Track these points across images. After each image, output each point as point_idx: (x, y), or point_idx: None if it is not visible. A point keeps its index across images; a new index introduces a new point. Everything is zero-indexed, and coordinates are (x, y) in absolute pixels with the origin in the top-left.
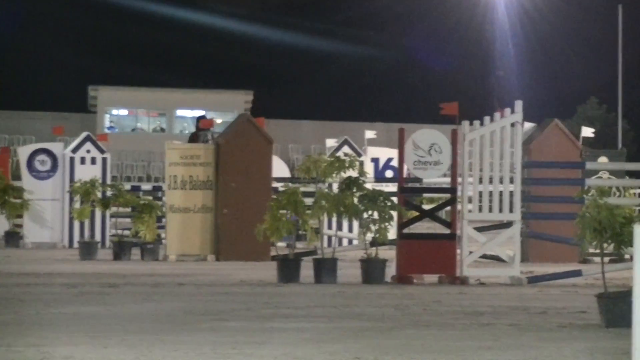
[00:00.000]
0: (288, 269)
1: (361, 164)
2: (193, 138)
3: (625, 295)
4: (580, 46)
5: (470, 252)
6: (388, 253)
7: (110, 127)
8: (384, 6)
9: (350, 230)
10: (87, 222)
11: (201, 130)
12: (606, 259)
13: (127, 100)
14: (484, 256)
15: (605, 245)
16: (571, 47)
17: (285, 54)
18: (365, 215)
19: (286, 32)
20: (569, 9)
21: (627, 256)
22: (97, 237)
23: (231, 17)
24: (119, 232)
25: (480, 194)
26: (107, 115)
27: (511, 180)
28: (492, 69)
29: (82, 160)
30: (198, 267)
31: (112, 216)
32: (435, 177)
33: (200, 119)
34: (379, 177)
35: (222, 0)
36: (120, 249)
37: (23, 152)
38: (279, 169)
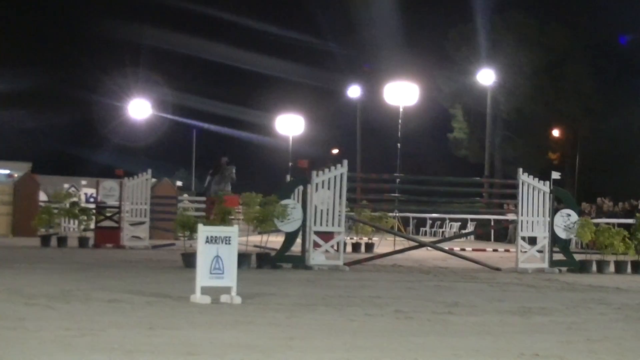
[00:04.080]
0: (46, 240)
1: (79, 195)
2: (216, 168)
3: (193, 253)
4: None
5: (127, 234)
6: (90, 234)
7: None
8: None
9: (74, 224)
10: None
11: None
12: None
13: None
14: (134, 236)
15: (186, 232)
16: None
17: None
18: (81, 217)
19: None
20: None
21: (195, 237)
22: None
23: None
24: None
25: (131, 210)
26: None
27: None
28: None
29: None
30: (5, 240)
31: None
32: (112, 202)
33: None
34: (88, 201)
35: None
36: None
37: None
38: (43, 196)
